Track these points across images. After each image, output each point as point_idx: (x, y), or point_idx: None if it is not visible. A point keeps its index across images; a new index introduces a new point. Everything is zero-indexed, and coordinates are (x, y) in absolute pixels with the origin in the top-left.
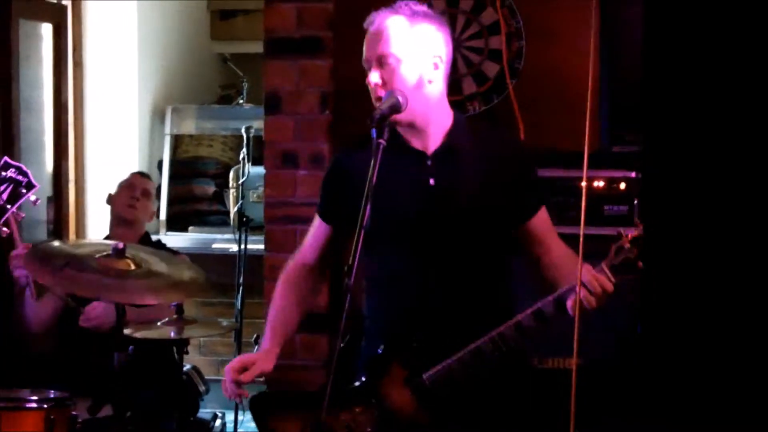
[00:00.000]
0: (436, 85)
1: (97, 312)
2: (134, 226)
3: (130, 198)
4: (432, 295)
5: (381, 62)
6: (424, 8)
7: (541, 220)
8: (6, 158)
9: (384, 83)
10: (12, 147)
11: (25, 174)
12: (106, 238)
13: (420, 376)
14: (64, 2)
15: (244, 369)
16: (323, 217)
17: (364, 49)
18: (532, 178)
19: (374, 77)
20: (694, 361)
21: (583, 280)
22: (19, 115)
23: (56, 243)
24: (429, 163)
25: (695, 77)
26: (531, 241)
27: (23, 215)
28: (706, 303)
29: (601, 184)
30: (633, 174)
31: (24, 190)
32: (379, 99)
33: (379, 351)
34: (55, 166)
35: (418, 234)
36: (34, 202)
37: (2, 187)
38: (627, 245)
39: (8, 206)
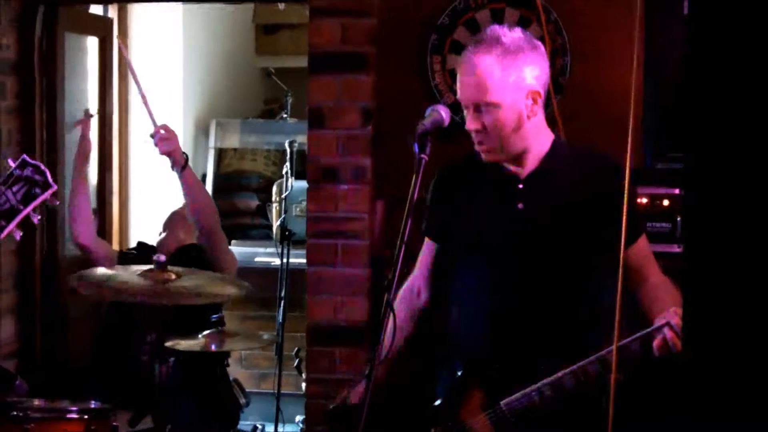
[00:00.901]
0: (536, 117)
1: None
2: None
3: None
4: (513, 320)
5: (478, 109)
6: (516, 37)
7: (639, 248)
8: (25, 156)
9: (483, 128)
10: (56, 160)
11: (42, 173)
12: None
13: (497, 402)
14: (110, 15)
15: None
16: (429, 235)
17: (459, 89)
18: (633, 204)
19: (473, 123)
20: (739, 382)
21: (671, 322)
22: (64, 128)
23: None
24: (520, 186)
25: (740, 93)
26: (628, 269)
27: (39, 217)
28: (751, 322)
29: (644, 200)
30: (677, 191)
31: (39, 191)
32: (480, 143)
33: (459, 374)
34: (99, 180)
35: (502, 257)
36: (53, 203)
37: (17, 187)
38: None
39: (21, 207)
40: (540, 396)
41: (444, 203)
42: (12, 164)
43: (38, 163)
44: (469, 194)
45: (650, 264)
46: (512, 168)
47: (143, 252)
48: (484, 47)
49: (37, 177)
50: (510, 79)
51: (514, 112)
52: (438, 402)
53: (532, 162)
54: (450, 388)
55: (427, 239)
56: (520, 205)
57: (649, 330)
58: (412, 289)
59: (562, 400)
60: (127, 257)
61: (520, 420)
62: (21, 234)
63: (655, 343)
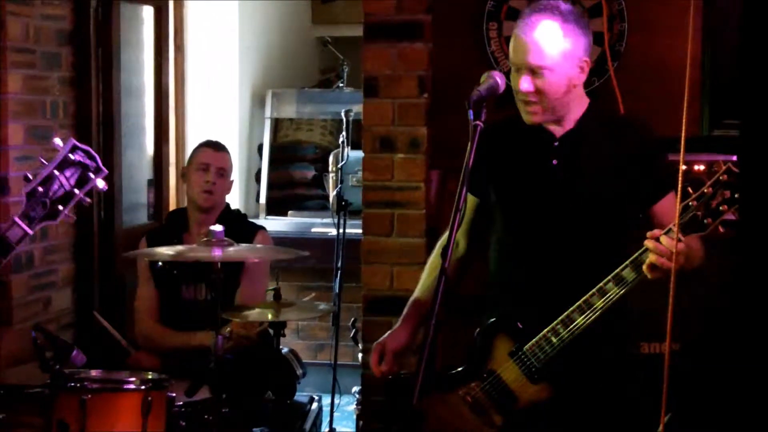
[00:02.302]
0: (581, 86)
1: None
2: (212, 211)
3: (205, 183)
4: (544, 271)
5: (533, 72)
6: (572, 8)
7: (667, 203)
8: (73, 140)
9: (536, 91)
10: (112, 131)
11: (93, 158)
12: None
13: (522, 347)
14: None
15: (382, 356)
16: (470, 189)
17: (514, 51)
18: (660, 164)
19: (525, 85)
20: None
21: (648, 246)
22: (120, 99)
23: None
24: (556, 144)
25: None
26: (654, 224)
27: (89, 201)
28: None
29: (701, 168)
30: (734, 158)
31: (92, 175)
32: (529, 104)
33: (487, 325)
34: (155, 150)
35: (535, 212)
36: (102, 188)
37: (70, 172)
38: (693, 203)
39: (76, 191)
40: (556, 335)
41: (483, 159)
42: (59, 146)
43: (88, 147)
44: (506, 151)
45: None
46: (550, 128)
47: (174, 224)
48: (547, 12)
49: (88, 162)
50: (565, 45)
51: (565, 78)
52: (473, 356)
53: (568, 123)
54: (480, 341)
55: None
56: (554, 162)
57: (638, 253)
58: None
59: (578, 338)
60: (156, 236)
61: (546, 364)
62: (74, 218)
63: (644, 267)
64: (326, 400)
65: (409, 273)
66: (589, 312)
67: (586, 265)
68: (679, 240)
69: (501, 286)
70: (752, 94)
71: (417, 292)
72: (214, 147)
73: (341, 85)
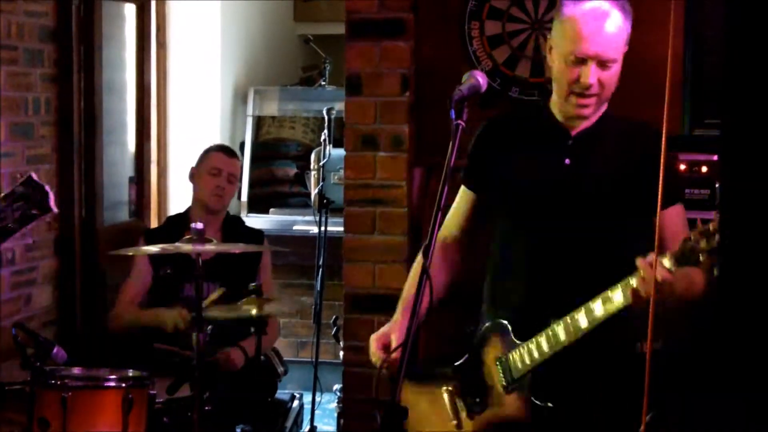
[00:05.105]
0: None
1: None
2: (219, 214)
3: (216, 187)
4: (550, 277)
5: (602, 64)
6: None
7: (673, 215)
8: (32, 174)
9: (600, 84)
10: (94, 128)
11: (45, 195)
12: (185, 217)
13: (507, 355)
14: None
15: (386, 347)
16: (468, 185)
17: (577, 40)
18: (670, 173)
19: (593, 78)
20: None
21: (637, 265)
22: (102, 96)
23: None
24: (570, 143)
25: None
26: (661, 234)
27: (30, 240)
28: None
29: (682, 167)
30: (715, 157)
31: (36, 212)
32: (585, 97)
33: (481, 329)
34: (137, 147)
35: (544, 210)
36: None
37: (17, 205)
38: (696, 236)
39: (16, 227)
40: (538, 349)
41: (489, 153)
42: (19, 179)
43: (44, 183)
44: (516, 146)
45: (679, 234)
46: (567, 124)
47: (173, 226)
48: (613, 2)
49: (39, 198)
50: (626, 37)
51: (619, 71)
52: (464, 357)
53: (586, 121)
54: (474, 339)
55: (464, 189)
56: (567, 161)
57: (626, 279)
58: (445, 237)
59: (567, 348)
60: (155, 235)
61: (523, 376)
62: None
63: (629, 291)
64: (307, 398)
65: (391, 271)
66: (573, 331)
67: (594, 272)
68: (670, 271)
69: (503, 289)
70: (734, 93)
71: (405, 290)
72: (227, 152)
73: (323, 82)
